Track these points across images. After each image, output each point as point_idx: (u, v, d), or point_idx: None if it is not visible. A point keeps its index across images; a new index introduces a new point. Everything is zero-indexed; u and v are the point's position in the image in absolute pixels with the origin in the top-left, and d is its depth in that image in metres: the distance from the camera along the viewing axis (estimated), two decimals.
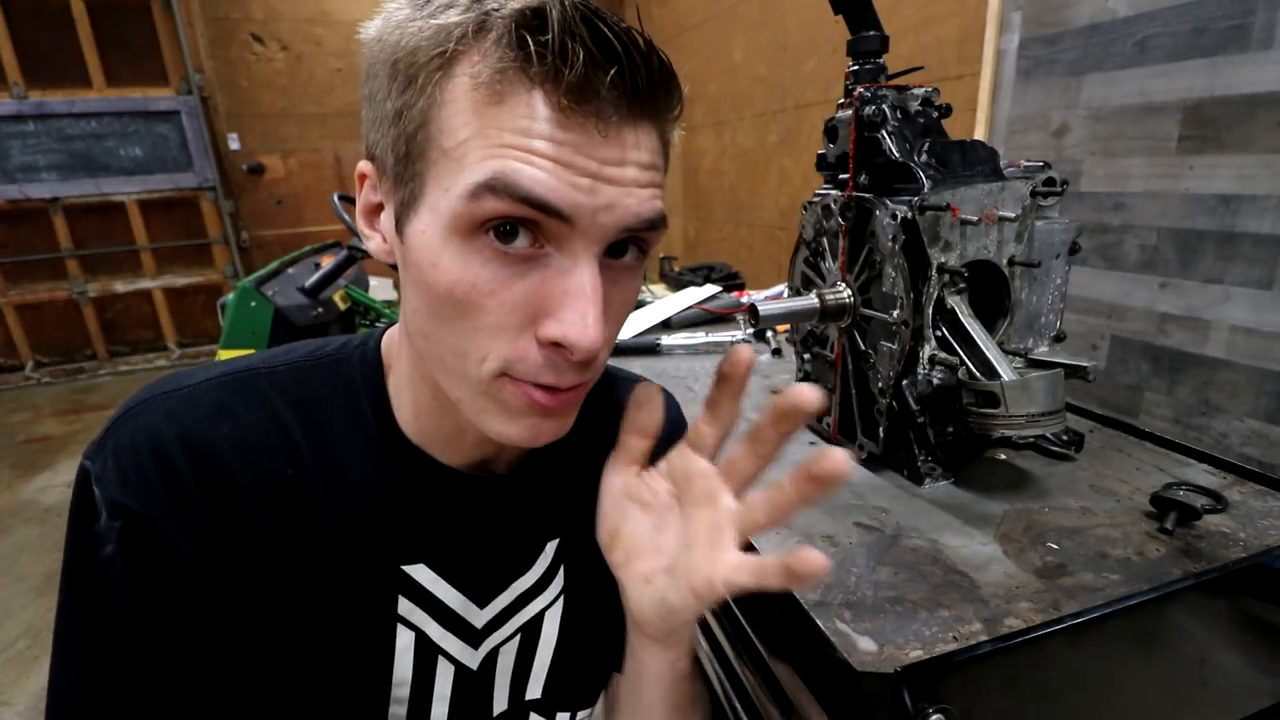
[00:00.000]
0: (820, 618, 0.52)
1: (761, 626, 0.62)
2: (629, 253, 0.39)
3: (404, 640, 0.46)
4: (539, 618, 0.52)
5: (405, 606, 0.45)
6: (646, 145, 0.36)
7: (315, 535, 0.42)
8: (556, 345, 0.36)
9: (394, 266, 0.42)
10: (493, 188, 0.33)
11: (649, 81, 0.34)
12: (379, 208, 0.41)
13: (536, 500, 0.51)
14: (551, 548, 0.52)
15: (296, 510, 0.42)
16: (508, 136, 0.33)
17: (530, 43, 0.32)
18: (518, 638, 0.51)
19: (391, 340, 0.47)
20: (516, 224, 0.34)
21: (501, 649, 0.50)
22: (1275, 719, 0.63)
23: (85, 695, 0.38)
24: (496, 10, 0.33)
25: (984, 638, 0.49)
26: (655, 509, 0.43)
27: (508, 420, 0.39)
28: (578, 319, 0.35)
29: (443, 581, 0.47)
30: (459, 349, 0.37)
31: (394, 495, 0.45)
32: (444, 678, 0.48)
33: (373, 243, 0.42)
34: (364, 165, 0.41)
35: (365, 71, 0.38)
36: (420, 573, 0.46)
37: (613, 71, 0.32)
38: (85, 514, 0.38)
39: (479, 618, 0.49)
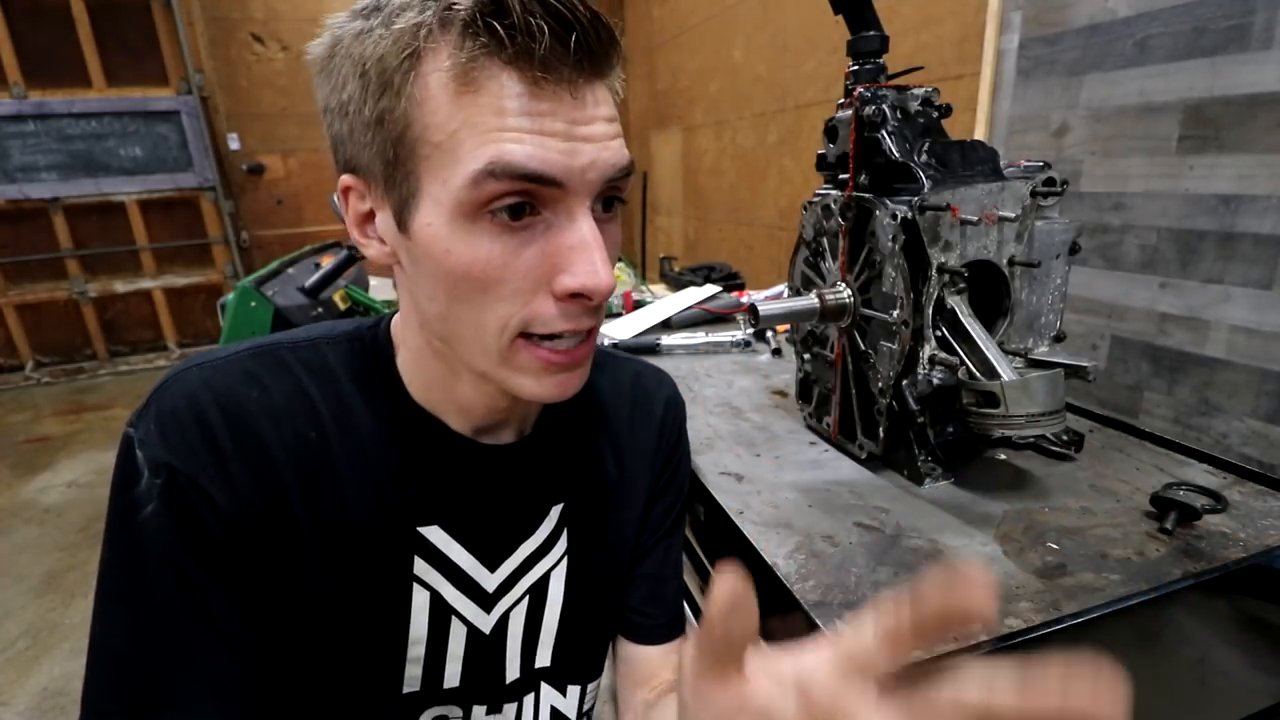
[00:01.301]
0: (820, 618, 0.52)
1: (759, 627, 0.62)
2: (611, 206, 0.42)
3: (420, 599, 0.48)
4: (545, 580, 0.54)
5: (420, 566, 0.48)
6: (605, 100, 0.40)
7: (337, 496, 0.45)
8: (573, 296, 0.39)
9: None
10: (492, 172, 0.36)
11: (599, 41, 0.37)
12: (370, 215, 0.43)
13: (542, 466, 0.53)
14: (556, 511, 0.54)
15: (320, 472, 0.45)
16: (494, 120, 0.36)
17: (498, 28, 0.34)
18: (526, 600, 0.53)
19: (396, 326, 0.50)
20: (516, 198, 0.37)
21: (512, 613, 0.53)
22: (1275, 719, 0.63)
23: (125, 648, 0.40)
24: (454, 3, 0.35)
25: (984, 638, 0.49)
26: None
27: (534, 381, 0.43)
28: (589, 268, 0.38)
29: (455, 543, 0.49)
30: (480, 322, 0.40)
31: (409, 460, 0.48)
32: (457, 638, 0.50)
33: (370, 249, 0.44)
34: (347, 179, 0.42)
35: (327, 87, 0.40)
36: (434, 534, 0.48)
37: (573, 38, 0.35)
38: (128, 477, 0.40)
39: (490, 581, 0.51)
